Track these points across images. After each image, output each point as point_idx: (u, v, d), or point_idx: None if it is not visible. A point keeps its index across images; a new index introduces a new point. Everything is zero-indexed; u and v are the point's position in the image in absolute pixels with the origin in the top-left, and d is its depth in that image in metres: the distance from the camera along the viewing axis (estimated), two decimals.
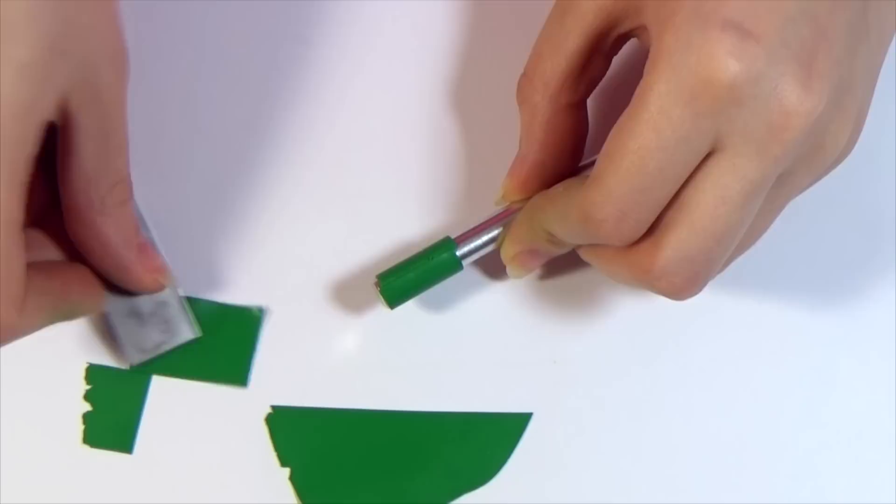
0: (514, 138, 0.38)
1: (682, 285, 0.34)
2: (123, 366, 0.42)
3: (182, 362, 0.42)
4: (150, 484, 0.42)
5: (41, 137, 0.33)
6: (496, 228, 0.38)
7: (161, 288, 0.39)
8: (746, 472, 0.41)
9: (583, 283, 0.42)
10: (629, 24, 0.35)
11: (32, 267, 0.35)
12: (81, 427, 0.42)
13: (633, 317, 0.42)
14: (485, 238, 0.38)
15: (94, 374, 0.42)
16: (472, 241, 0.38)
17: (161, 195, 0.42)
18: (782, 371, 0.42)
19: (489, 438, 0.42)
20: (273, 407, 0.42)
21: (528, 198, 0.38)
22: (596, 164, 0.33)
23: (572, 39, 0.35)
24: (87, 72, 0.33)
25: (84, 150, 0.34)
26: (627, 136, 0.32)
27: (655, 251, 0.34)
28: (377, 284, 0.38)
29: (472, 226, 0.38)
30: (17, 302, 0.33)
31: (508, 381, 0.42)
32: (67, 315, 0.37)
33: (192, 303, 0.42)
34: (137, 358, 0.41)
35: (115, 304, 0.40)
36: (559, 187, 0.36)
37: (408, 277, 0.38)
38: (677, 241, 0.33)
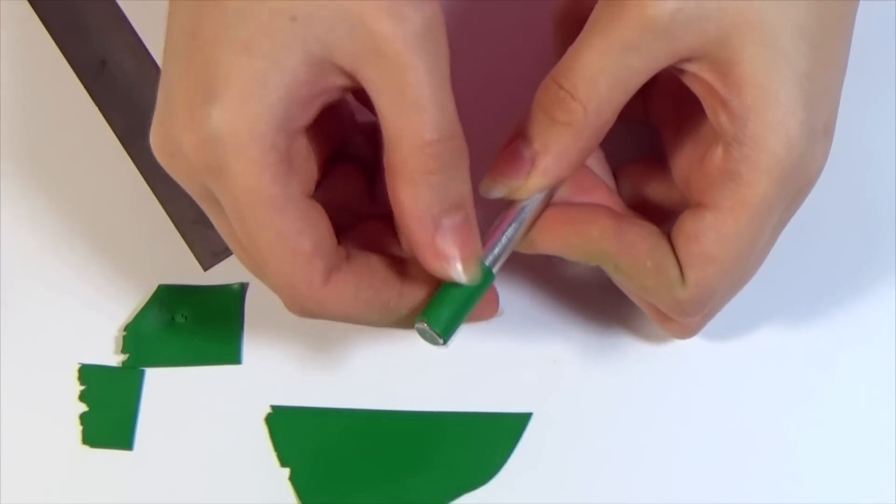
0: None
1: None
2: (203, 267, 0.43)
3: (173, 350, 0.43)
4: (151, 485, 0.41)
5: (303, 106, 0.32)
6: (511, 227, 0.36)
7: (447, 277, 0.34)
8: (746, 471, 0.41)
9: (583, 283, 0.42)
10: (690, 68, 0.34)
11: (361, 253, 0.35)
12: (80, 428, 0.42)
13: (633, 316, 0.42)
14: (504, 241, 0.36)
15: (87, 373, 0.42)
16: (494, 249, 0.36)
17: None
18: (782, 370, 0.42)
19: (489, 438, 0.42)
20: (273, 407, 0.42)
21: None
22: (695, 263, 0.35)
23: (638, 78, 0.33)
24: (347, 27, 0.31)
25: (380, 109, 0.32)
26: (738, 244, 0.34)
27: (703, 321, 0.39)
28: (423, 324, 0.35)
29: (486, 234, 0.36)
30: (313, 272, 0.33)
31: (508, 381, 0.42)
32: (395, 319, 0.36)
33: (172, 290, 0.42)
34: (210, 262, 0.41)
35: (180, 212, 0.39)
36: (643, 247, 0.36)
37: (452, 306, 0.35)
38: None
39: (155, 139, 0.34)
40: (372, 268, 0.35)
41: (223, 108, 0.31)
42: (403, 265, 0.36)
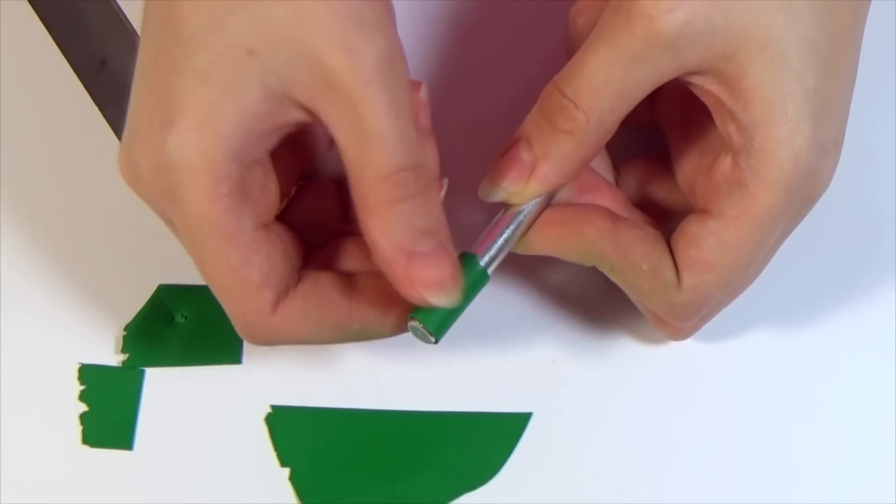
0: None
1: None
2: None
3: (173, 350, 0.43)
4: (151, 485, 0.41)
5: (259, 138, 0.32)
6: (508, 229, 0.36)
7: (427, 304, 0.33)
8: (746, 471, 0.41)
9: (583, 282, 0.42)
10: (697, 80, 0.34)
11: (308, 275, 0.35)
12: (80, 428, 0.42)
13: (633, 316, 0.42)
14: (500, 243, 0.36)
15: (87, 373, 0.42)
16: (490, 250, 0.36)
17: None
18: (782, 370, 0.42)
19: (489, 438, 0.42)
20: (273, 407, 0.42)
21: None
22: (693, 267, 0.35)
23: (643, 90, 0.33)
24: (303, 62, 0.31)
25: (340, 143, 0.32)
26: (738, 253, 0.35)
27: (698, 325, 0.39)
28: (415, 321, 0.35)
29: (482, 234, 0.36)
30: (262, 302, 0.33)
31: (508, 381, 0.42)
32: (348, 334, 0.35)
33: (172, 290, 0.42)
34: None
35: None
36: (639, 249, 0.36)
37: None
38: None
39: (120, 161, 0.34)
40: (320, 288, 0.35)
41: (178, 136, 0.31)
42: (354, 280, 0.35)
